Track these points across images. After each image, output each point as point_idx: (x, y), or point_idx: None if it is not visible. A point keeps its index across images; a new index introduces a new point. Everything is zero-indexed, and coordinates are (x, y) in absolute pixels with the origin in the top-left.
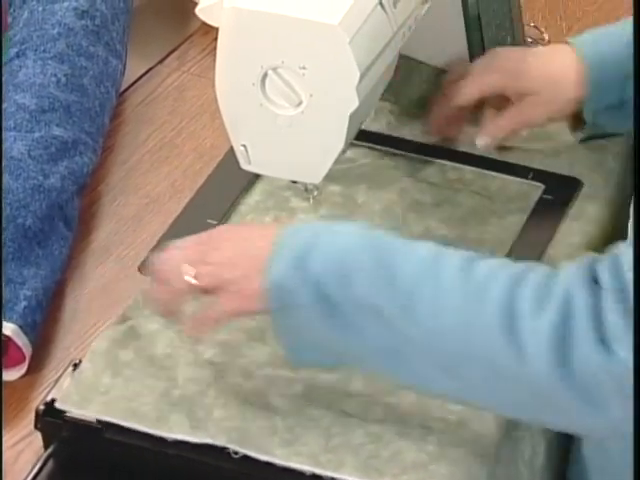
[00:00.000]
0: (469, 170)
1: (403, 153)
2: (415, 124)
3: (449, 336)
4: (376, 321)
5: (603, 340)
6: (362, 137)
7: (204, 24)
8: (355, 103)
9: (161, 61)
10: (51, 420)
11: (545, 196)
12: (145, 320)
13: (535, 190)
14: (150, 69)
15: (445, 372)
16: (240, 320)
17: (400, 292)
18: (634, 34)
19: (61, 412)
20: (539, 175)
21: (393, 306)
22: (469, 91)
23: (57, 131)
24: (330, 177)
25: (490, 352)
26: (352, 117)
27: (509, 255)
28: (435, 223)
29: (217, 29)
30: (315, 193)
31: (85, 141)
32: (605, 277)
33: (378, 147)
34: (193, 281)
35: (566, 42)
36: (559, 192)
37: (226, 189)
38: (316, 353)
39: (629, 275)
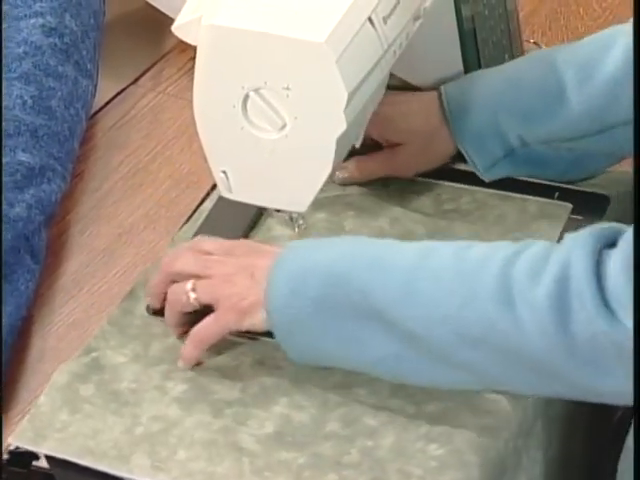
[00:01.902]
0: (467, 200)
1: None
2: None
3: (449, 320)
4: (377, 325)
5: (605, 304)
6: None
7: (181, 41)
8: (343, 126)
9: (135, 81)
10: (17, 470)
11: (574, 216)
12: (111, 352)
13: (556, 210)
14: (123, 90)
15: (448, 361)
16: (212, 357)
17: (396, 287)
18: (634, 34)
19: (28, 461)
20: (565, 194)
21: (391, 302)
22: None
23: (23, 157)
24: (316, 204)
25: (491, 330)
26: (340, 141)
27: None
28: None
29: (195, 47)
30: (301, 222)
31: (53, 167)
32: (609, 242)
33: None
34: (192, 295)
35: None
36: (588, 211)
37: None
38: (321, 359)
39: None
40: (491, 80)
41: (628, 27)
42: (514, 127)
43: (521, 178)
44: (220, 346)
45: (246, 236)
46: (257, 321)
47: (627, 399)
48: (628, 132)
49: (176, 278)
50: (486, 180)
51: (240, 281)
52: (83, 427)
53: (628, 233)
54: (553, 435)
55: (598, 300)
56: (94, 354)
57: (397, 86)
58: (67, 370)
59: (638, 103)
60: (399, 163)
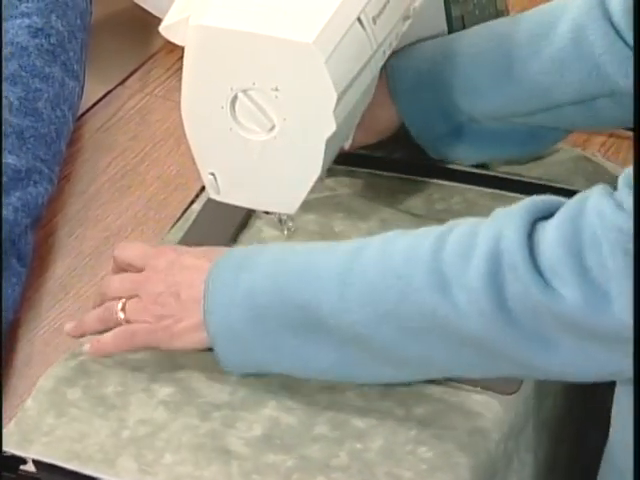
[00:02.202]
0: (458, 200)
1: (397, 175)
2: (398, 149)
3: (389, 318)
4: (319, 337)
5: (540, 273)
6: (341, 160)
7: (168, 42)
8: (332, 127)
9: (122, 82)
10: (6, 475)
11: None
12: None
13: None
14: (110, 91)
15: (396, 357)
16: (199, 359)
17: (330, 294)
18: (634, 34)
19: (16, 466)
20: (557, 193)
21: (329, 311)
22: None
23: (9, 159)
24: (306, 206)
25: (431, 319)
26: (329, 142)
27: None
28: None
29: (182, 47)
30: (290, 224)
31: (40, 169)
32: (544, 214)
33: (363, 170)
34: (121, 315)
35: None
36: None
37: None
38: (265, 371)
39: (575, 206)
40: (432, 54)
41: (573, 2)
42: (459, 103)
43: (513, 177)
44: (208, 349)
45: (235, 238)
46: (190, 343)
47: (573, 374)
48: (577, 110)
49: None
50: (435, 157)
51: (168, 303)
52: (69, 431)
53: (566, 205)
54: (543, 437)
55: (532, 270)
56: (81, 358)
57: None
58: (54, 374)
59: (638, 103)
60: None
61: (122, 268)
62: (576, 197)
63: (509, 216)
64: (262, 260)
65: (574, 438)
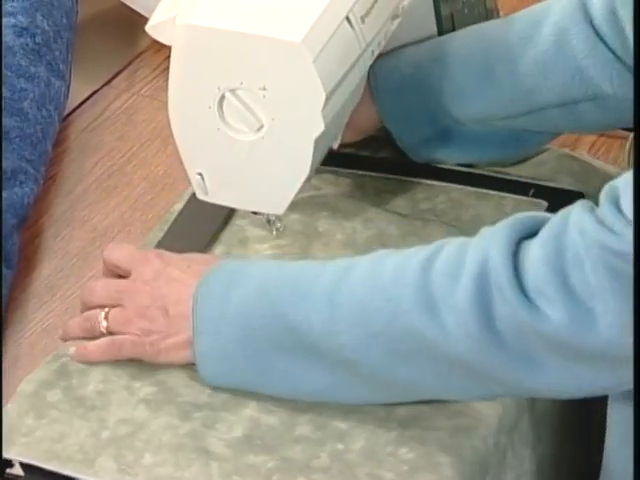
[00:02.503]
0: (443, 199)
1: (382, 175)
2: (383, 148)
3: (379, 340)
4: (309, 359)
5: (525, 294)
6: (329, 161)
7: (155, 41)
8: (321, 127)
9: (108, 82)
10: None
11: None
12: None
13: (531, 208)
14: (96, 91)
15: (385, 380)
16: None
17: (319, 316)
18: (634, 34)
19: (2, 469)
20: (541, 191)
21: (319, 334)
22: None
23: None
24: (290, 205)
25: (421, 341)
26: (317, 142)
27: None
28: None
29: (169, 47)
30: (278, 225)
31: (26, 170)
32: (529, 232)
33: (349, 171)
34: (104, 323)
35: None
36: (563, 208)
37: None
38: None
39: (558, 223)
40: (419, 57)
41: (558, 3)
42: (444, 106)
43: (497, 175)
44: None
45: (216, 238)
46: (177, 359)
47: (562, 392)
48: (561, 114)
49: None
50: (416, 160)
51: (155, 317)
52: (49, 431)
53: (549, 222)
54: (543, 431)
55: (517, 290)
56: (63, 359)
57: None
58: (35, 378)
59: (638, 102)
60: None
61: (110, 270)
62: (559, 213)
63: (495, 235)
64: (251, 279)
65: (578, 432)
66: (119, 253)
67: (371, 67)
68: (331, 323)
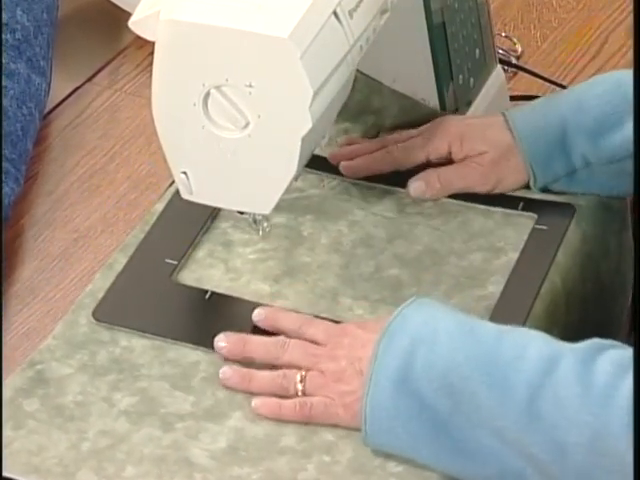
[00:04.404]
0: (430, 205)
1: (367, 184)
2: None
3: (576, 451)
4: (494, 440)
5: None
6: (314, 164)
7: (138, 37)
8: (308, 125)
9: (90, 79)
10: None
11: (538, 226)
12: (56, 363)
13: (521, 219)
14: (78, 88)
15: None
16: (163, 367)
17: (517, 407)
18: (634, 34)
19: None
20: (530, 204)
21: (513, 420)
22: (417, 154)
23: None
24: (273, 208)
25: (622, 464)
26: (305, 140)
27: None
28: (387, 261)
29: (153, 43)
30: (265, 224)
31: (6, 169)
32: None
33: (332, 176)
34: (299, 386)
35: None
36: (553, 222)
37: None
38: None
39: None
40: (557, 101)
41: None
42: (580, 145)
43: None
44: (171, 357)
45: (198, 241)
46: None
47: None
48: None
49: (281, 366)
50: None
51: (351, 379)
52: (27, 443)
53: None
54: None
55: None
56: (38, 367)
57: None
58: (11, 385)
59: (638, 110)
60: (479, 172)
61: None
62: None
63: None
64: (440, 342)
65: None
66: (314, 329)
67: (505, 114)
68: (527, 417)
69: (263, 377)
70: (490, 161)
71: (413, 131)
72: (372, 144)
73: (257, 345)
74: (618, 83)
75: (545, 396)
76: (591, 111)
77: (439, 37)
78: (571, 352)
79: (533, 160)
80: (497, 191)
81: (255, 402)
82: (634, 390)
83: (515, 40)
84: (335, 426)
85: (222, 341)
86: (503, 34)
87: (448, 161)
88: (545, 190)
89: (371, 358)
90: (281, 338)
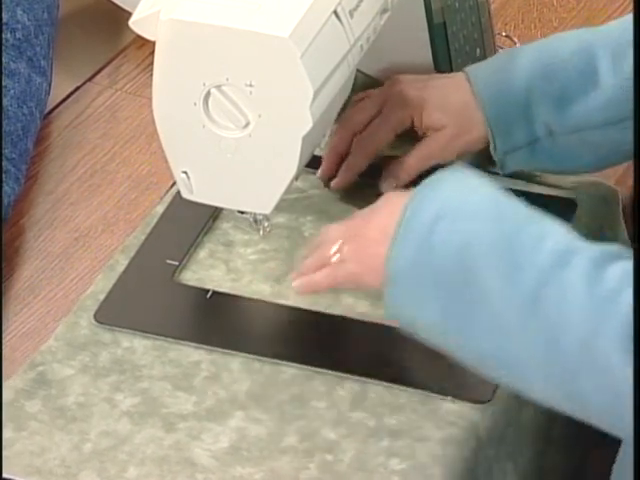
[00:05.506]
0: None
1: (367, 182)
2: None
3: (570, 348)
4: (492, 324)
5: None
6: (314, 164)
7: (139, 37)
8: (309, 124)
9: (91, 78)
10: None
11: None
12: (58, 365)
13: None
14: (78, 87)
15: (558, 388)
16: (165, 367)
17: (521, 297)
18: (634, 35)
19: None
20: (532, 199)
21: (513, 308)
22: (385, 136)
23: None
24: (275, 208)
25: (610, 370)
26: (305, 140)
27: None
28: None
29: (153, 42)
30: (266, 224)
31: (6, 169)
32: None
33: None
34: (336, 256)
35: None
36: (554, 217)
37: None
38: (426, 329)
39: None
40: (523, 61)
41: None
42: (545, 113)
43: None
44: (172, 357)
45: (199, 242)
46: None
47: None
48: None
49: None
50: (500, 172)
51: (379, 243)
52: (29, 445)
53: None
54: (524, 445)
55: None
56: (40, 368)
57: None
58: (12, 387)
59: (638, 105)
60: (439, 148)
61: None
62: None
63: None
64: (465, 216)
65: (561, 447)
66: (334, 231)
67: (467, 73)
68: (531, 303)
69: (309, 261)
70: (451, 136)
71: (370, 104)
72: (339, 138)
73: (311, 260)
74: (583, 45)
75: (551, 288)
76: (556, 77)
77: (440, 36)
78: (586, 251)
79: (495, 126)
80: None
81: (295, 284)
82: (634, 390)
83: (515, 40)
84: (336, 425)
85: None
86: (503, 34)
87: (413, 129)
88: (506, 164)
89: (397, 222)
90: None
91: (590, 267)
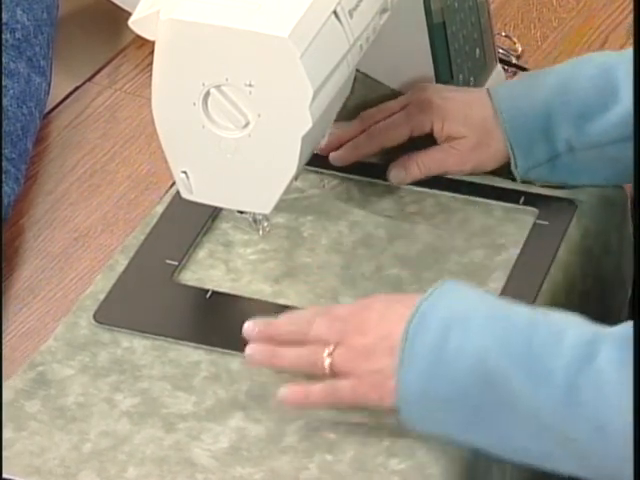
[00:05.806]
0: (431, 203)
1: (368, 180)
2: (376, 156)
3: (618, 436)
4: (529, 424)
5: None
6: (314, 163)
7: (138, 37)
8: (308, 124)
9: (90, 78)
10: None
11: (540, 221)
12: (58, 365)
13: (522, 215)
14: (78, 87)
15: (601, 471)
16: (164, 367)
17: (555, 395)
18: (634, 35)
19: None
20: (531, 199)
21: (551, 406)
22: (400, 132)
23: None
24: (274, 208)
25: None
26: (305, 140)
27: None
28: (388, 260)
29: (153, 42)
30: (265, 224)
31: (6, 169)
32: None
33: (333, 173)
34: (327, 361)
35: (486, 89)
36: (554, 217)
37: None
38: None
39: None
40: (543, 81)
41: None
42: (565, 129)
43: (487, 183)
44: (172, 357)
45: (199, 242)
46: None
47: None
48: None
49: (308, 342)
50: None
51: (381, 357)
52: (29, 445)
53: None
54: None
55: None
56: (40, 368)
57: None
58: (12, 387)
59: (638, 107)
60: (456, 154)
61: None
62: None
63: None
64: (472, 328)
65: None
66: (340, 307)
67: (489, 91)
68: (567, 405)
69: (290, 353)
70: (470, 147)
71: (394, 105)
72: (354, 127)
73: (283, 323)
74: (604, 66)
75: (585, 382)
76: (577, 95)
77: (439, 37)
78: (610, 337)
79: (515, 144)
80: (475, 173)
81: (282, 393)
82: (634, 390)
83: (515, 40)
84: (337, 424)
85: (250, 326)
86: (503, 34)
87: (430, 136)
88: (527, 178)
89: (402, 336)
90: (307, 313)
91: (618, 353)
